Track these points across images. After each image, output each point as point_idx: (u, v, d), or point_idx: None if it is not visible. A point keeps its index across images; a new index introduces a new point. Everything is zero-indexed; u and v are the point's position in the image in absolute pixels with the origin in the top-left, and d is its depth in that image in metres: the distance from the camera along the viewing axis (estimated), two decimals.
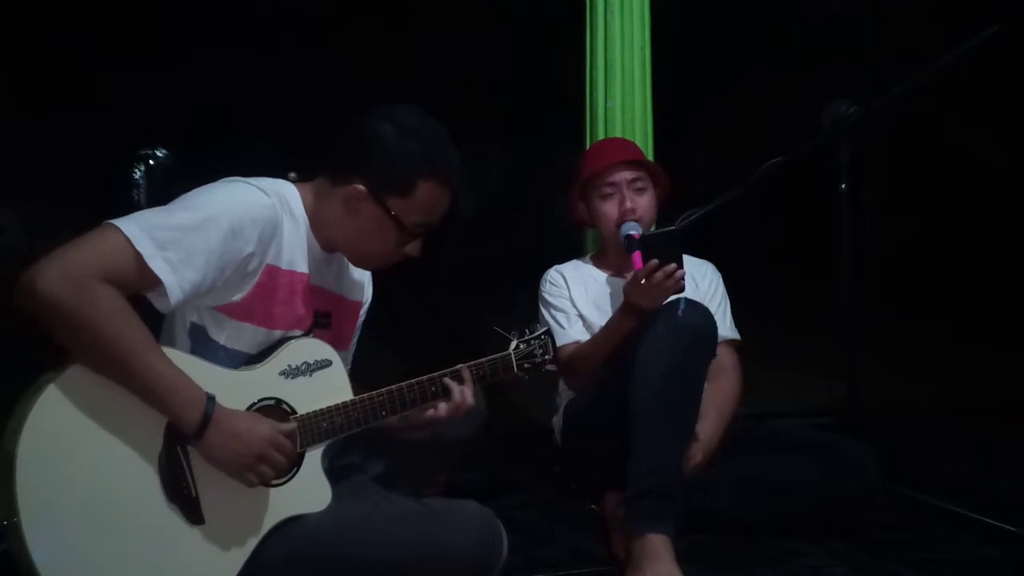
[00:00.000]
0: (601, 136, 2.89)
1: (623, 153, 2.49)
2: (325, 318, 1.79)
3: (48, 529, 1.42)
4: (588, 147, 2.90)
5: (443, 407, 1.82)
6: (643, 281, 2.17)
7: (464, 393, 1.83)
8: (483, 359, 1.91)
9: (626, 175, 2.44)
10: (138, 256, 1.49)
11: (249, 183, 1.66)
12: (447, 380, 1.83)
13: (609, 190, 2.45)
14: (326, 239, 1.76)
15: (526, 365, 1.97)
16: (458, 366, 1.87)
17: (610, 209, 2.44)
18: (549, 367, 2.04)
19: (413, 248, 1.77)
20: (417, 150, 1.69)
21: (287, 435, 1.62)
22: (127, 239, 1.49)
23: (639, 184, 2.44)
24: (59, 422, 1.45)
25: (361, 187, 1.69)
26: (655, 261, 2.16)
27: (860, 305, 2.53)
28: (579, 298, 2.50)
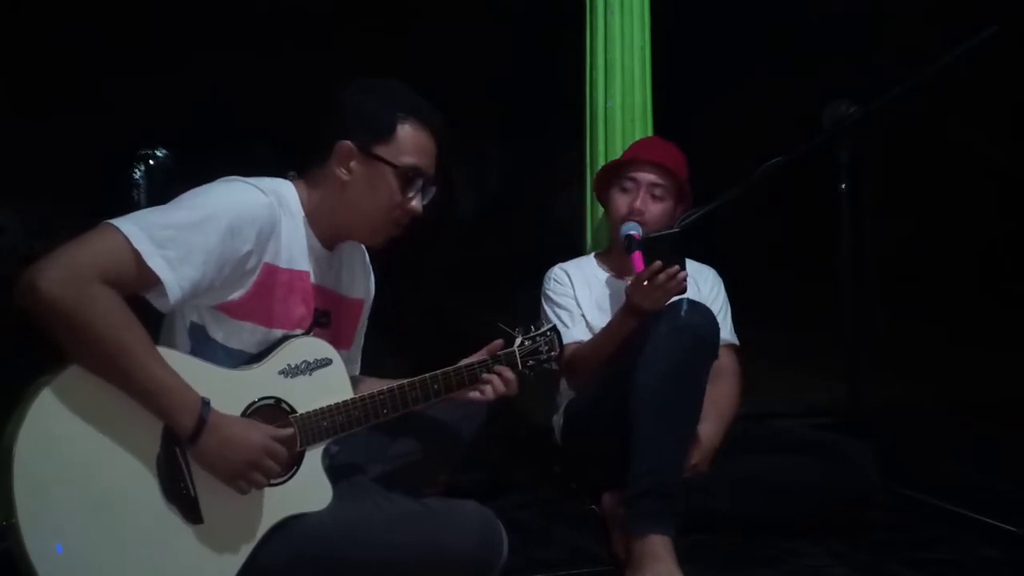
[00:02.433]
0: (601, 136, 2.88)
1: (657, 155, 2.47)
2: (324, 317, 1.79)
3: (46, 530, 1.42)
4: (589, 147, 2.91)
5: (488, 391, 1.87)
6: (645, 282, 2.17)
7: (504, 378, 1.88)
8: (487, 356, 1.91)
9: (650, 177, 2.43)
10: (136, 255, 1.49)
11: (247, 182, 1.66)
12: (465, 376, 1.85)
13: (629, 184, 2.45)
14: (327, 232, 1.77)
15: (531, 362, 1.95)
16: (464, 360, 1.88)
17: (622, 203, 2.44)
18: (553, 366, 2.03)
19: (416, 203, 1.77)
20: (388, 98, 1.76)
21: (283, 441, 1.61)
22: (125, 238, 1.49)
23: (658, 191, 2.43)
24: (57, 422, 1.45)
25: (347, 143, 1.72)
26: (658, 263, 2.16)
27: (860, 305, 2.53)
28: (583, 297, 2.49)
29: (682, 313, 2.12)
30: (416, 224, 1.81)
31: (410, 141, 1.74)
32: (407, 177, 1.74)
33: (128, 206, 1.58)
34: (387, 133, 1.73)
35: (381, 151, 1.72)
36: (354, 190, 1.73)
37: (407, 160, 1.73)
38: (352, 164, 1.72)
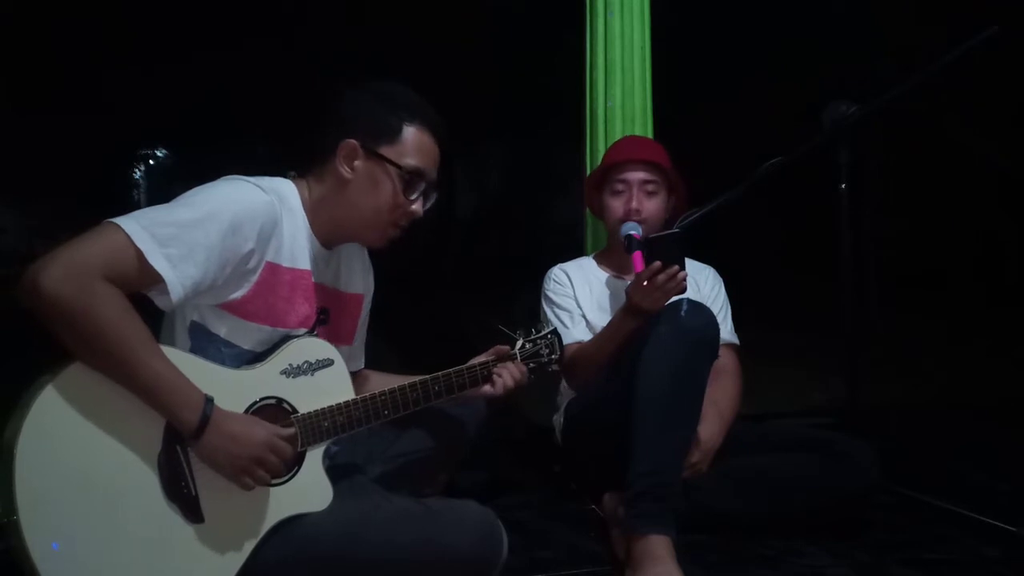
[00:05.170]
0: (601, 136, 2.88)
1: (642, 153, 2.48)
2: (323, 314, 1.80)
3: (47, 527, 1.42)
4: (589, 147, 2.91)
5: (499, 383, 1.90)
6: (645, 283, 2.17)
7: (510, 374, 1.90)
8: (488, 359, 1.91)
9: (639, 175, 2.44)
10: (139, 253, 1.49)
11: (248, 181, 1.67)
12: (466, 378, 1.85)
13: (620, 186, 2.45)
14: (327, 230, 1.77)
15: (531, 365, 1.96)
16: (469, 362, 1.88)
17: (617, 205, 2.45)
18: (553, 368, 2.03)
19: (417, 206, 1.78)
20: (395, 101, 1.77)
21: (286, 439, 1.62)
22: (127, 236, 1.49)
23: (650, 187, 2.44)
24: (59, 420, 1.45)
25: (353, 141, 1.73)
26: (658, 263, 2.16)
27: (860, 305, 2.53)
28: (583, 297, 2.49)
29: (683, 314, 2.11)
30: (416, 225, 1.82)
31: (415, 143, 1.75)
32: (410, 179, 1.75)
33: (128, 206, 1.58)
34: (393, 134, 1.74)
35: (386, 151, 1.74)
36: (355, 188, 1.74)
37: (411, 162, 1.75)
38: (356, 163, 1.74)
